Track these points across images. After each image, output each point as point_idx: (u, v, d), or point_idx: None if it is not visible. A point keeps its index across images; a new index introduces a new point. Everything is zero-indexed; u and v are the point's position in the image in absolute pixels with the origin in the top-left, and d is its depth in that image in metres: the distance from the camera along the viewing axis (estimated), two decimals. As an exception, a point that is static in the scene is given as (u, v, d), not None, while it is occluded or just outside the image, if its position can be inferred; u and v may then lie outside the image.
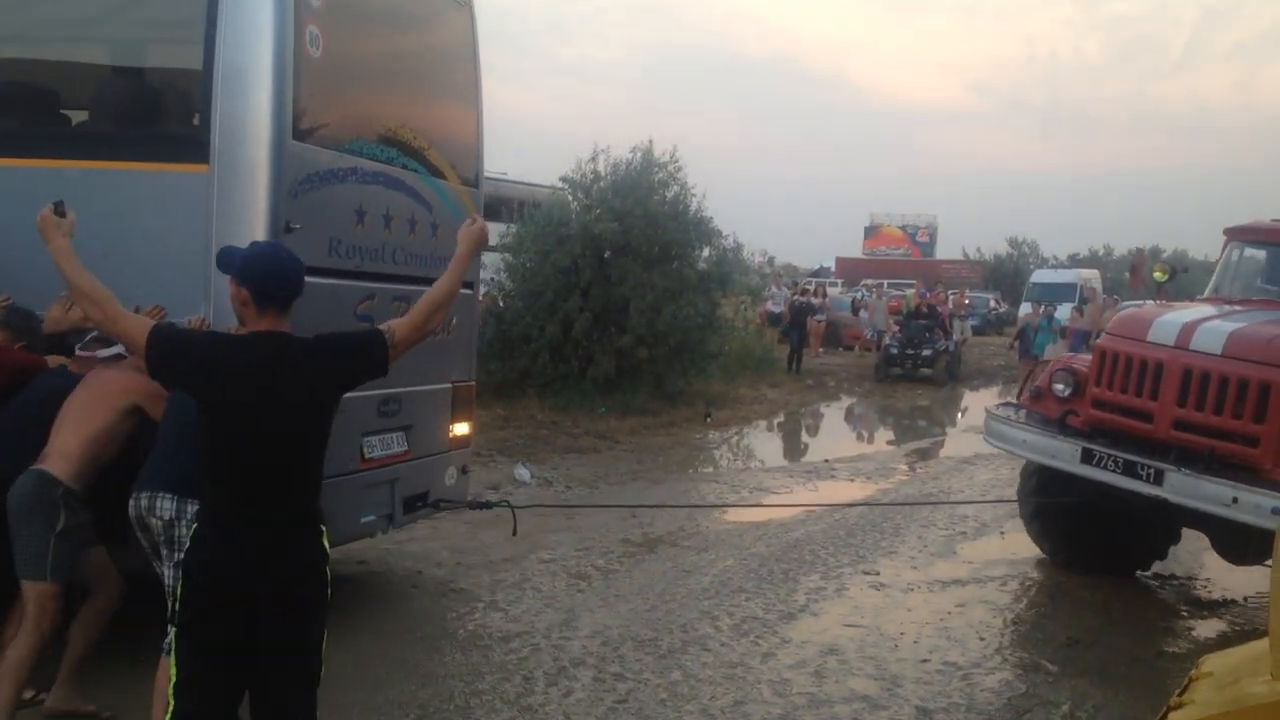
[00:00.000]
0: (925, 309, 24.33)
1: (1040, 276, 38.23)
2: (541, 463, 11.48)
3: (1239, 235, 8.40)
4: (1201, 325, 6.82)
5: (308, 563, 3.23)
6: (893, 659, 6.03)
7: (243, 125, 4.96)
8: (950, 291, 31.37)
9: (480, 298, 16.73)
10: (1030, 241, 60.88)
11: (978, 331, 32.05)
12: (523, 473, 10.72)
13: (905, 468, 13.02)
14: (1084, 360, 7.77)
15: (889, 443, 15.82)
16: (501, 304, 15.87)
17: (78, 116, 5.74)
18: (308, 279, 3.42)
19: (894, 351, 22.68)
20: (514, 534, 6.50)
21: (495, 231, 16.44)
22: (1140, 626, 7.01)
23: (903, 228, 62.29)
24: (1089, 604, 7.33)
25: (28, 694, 4.47)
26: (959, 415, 19.11)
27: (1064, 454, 7.03)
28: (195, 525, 3.31)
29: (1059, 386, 7.46)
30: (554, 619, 6.40)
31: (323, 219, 5.26)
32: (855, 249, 61.77)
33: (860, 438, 16.71)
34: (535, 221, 15.71)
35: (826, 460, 13.11)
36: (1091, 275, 37.93)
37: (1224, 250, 8.50)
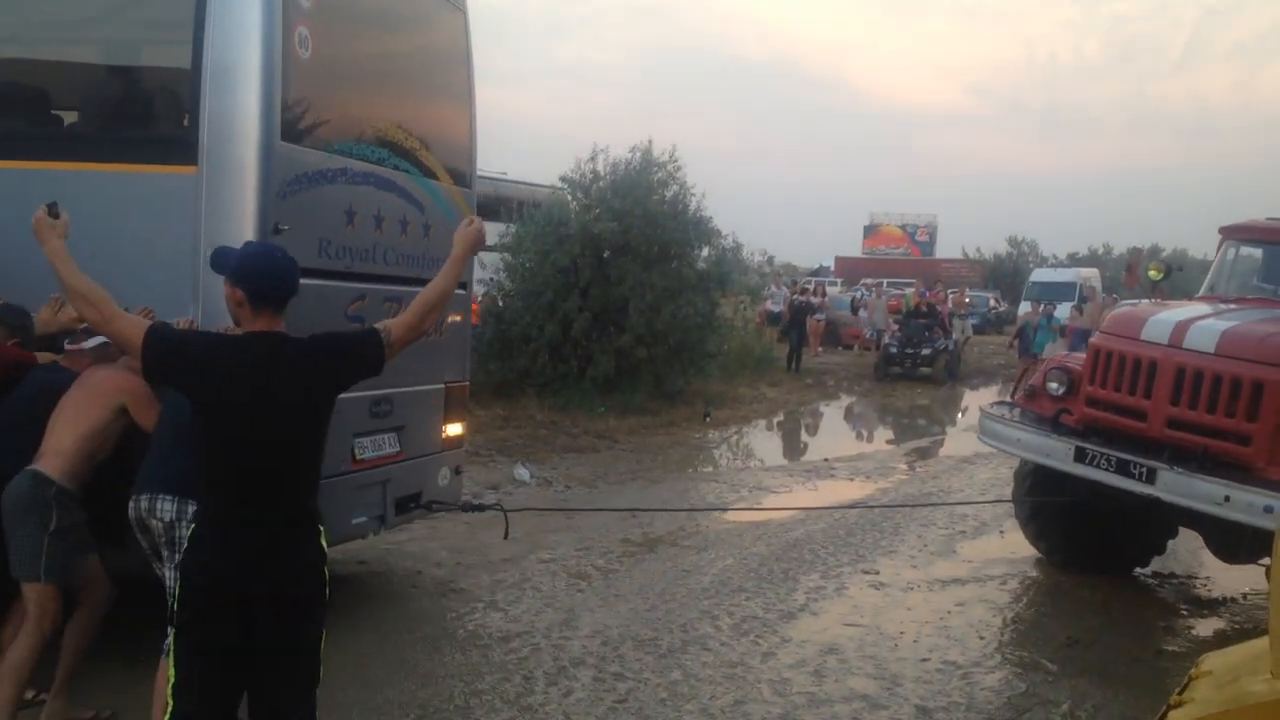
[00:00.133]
0: (925, 308, 24.33)
1: (1040, 275, 38.24)
2: (541, 462, 11.48)
3: (1234, 234, 8.40)
4: (1195, 324, 6.82)
5: (304, 563, 3.23)
6: (892, 658, 6.03)
7: (231, 126, 4.95)
8: (950, 291, 31.37)
9: (480, 297, 16.85)
10: (1030, 241, 60.95)
11: (977, 330, 32.03)
12: (522, 473, 10.72)
13: (905, 467, 13.02)
14: (1078, 359, 7.77)
15: (888, 442, 15.81)
16: (501, 304, 15.88)
17: (66, 118, 5.74)
18: None
19: (893, 350, 22.68)
20: (505, 537, 6.50)
21: (494, 231, 16.47)
22: (1140, 625, 7.01)
23: (902, 227, 62.29)
24: (1089, 603, 7.33)
25: (28, 694, 4.47)
26: (959, 415, 19.11)
27: (1057, 453, 7.03)
28: (193, 526, 3.31)
29: (1053, 385, 7.46)
30: (554, 619, 6.40)
31: (312, 220, 5.25)
32: (855, 248, 61.78)
33: (860, 437, 16.70)
34: (535, 221, 15.71)
35: (826, 459, 13.11)
36: (1091, 274, 37.95)
37: (1219, 249, 8.50)
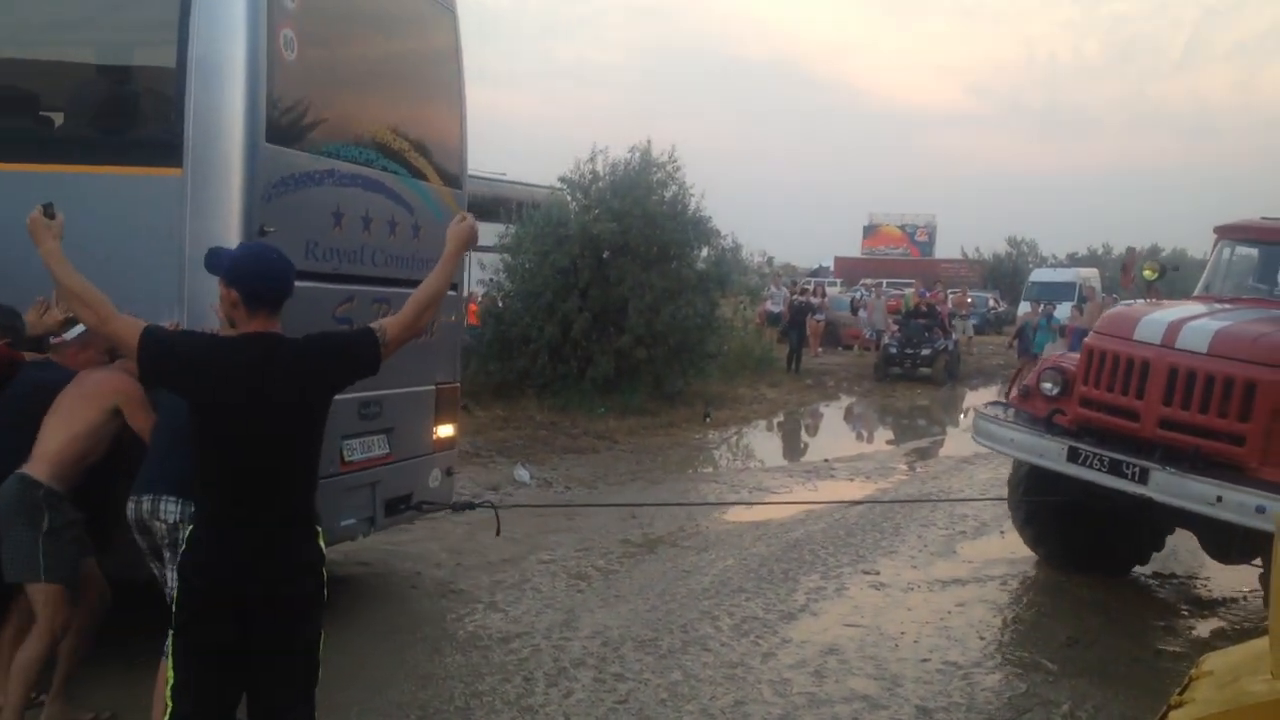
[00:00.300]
0: (924, 308, 24.33)
1: (1039, 275, 38.25)
2: (541, 463, 11.47)
3: (1229, 233, 8.40)
4: (1188, 324, 6.82)
5: (300, 563, 3.23)
6: (893, 658, 6.03)
7: (216, 128, 4.94)
8: (950, 291, 31.35)
9: (479, 298, 16.82)
10: (1029, 241, 60.90)
11: (977, 331, 32.02)
12: (522, 473, 10.72)
13: (905, 467, 13.02)
14: (1073, 359, 7.77)
15: (888, 442, 15.81)
16: (500, 304, 15.89)
17: (52, 121, 5.72)
18: None
19: (893, 351, 22.67)
20: (497, 534, 6.49)
21: (494, 232, 16.47)
22: (1140, 625, 7.01)
23: (901, 227, 62.29)
24: (1089, 603, 7.33)
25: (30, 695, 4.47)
26: (960, 415, 19.10)
27: (1050, 453, 7.03)
28: (190, 527, 3.31)
29: (1047, 385, 7.46)
30: (554, 620, 6.40)
31: (298, 222, 5.24)
32: (854, 249, 61.79)
33: (860, 437, 16.70)
34: (534, 222, 15.71)
35: (826, 460, 13.11)
36: (1090, 274, 37.95)
37: (1214, 248, 8.50)
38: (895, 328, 23.74)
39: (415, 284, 3.56)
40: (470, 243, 3.66)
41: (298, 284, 3.39)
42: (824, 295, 30.62)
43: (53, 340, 4.72)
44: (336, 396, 3.39)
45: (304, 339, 3.31)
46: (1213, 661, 3.15)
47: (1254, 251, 8.34)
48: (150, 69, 5.54)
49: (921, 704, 5.41)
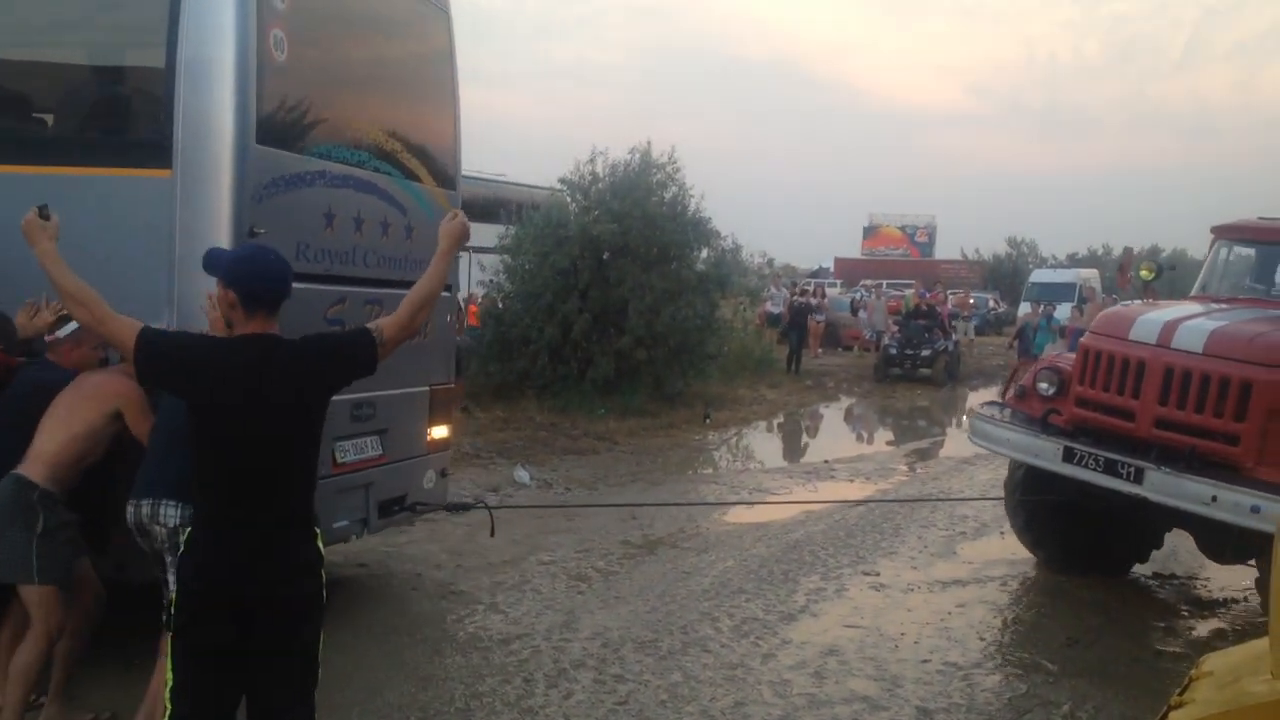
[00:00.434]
0: (925, 308, 24.33)
1: (1039, 276, 38.24)
2: (541, 464, 11.48)
3: (1226, 233, 8.40)
4: (1183, 324, 6.82)
5: (297, 565, 3.22)
6: (893, 659, 6.03)
7: (205, 130, 4.93)
8: (951, 292, 31.33)
9: (480, 299, 16.82)
10: (1029, 241, 60.97)
11: (977, 331, 32.03)
12: (522, 475, 10.72)
13: (905, 468, 13.02)
14: (1069, 359, 7.78)
15: (888, 443, 15.81)
16: (500, 306, 15.90)
17: (40, 124, 5.73)
18: None
19: (893, 352, 22.67)
20: (491, 534, 6.48)
21: (494, 233, 16.49)
22: (1140, 626, 7.01)
23: (901, 228, 62.28)
24: (1089, 604, 7.32)
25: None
26: (964, 417, 19.09)
27: (1046, 453, 7.03)
28: (189, 529, 3.31)
29: (1043, 385, 7.46)
30: (554, 621, 6.40)
31: (289, 223, 5.22)
32: (854, 249, 61.76)
33: (860, 438, 16.70)
34: (534, 223, 15.72)
35: (826, 461, 13.11)
36: (1090, 275, 37.94)
37: (1211, 249, 8.50)
38: (895, 328, 23.74)
39: (408, 285, 3.56)
40: (463, 240, 3.66)
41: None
42: (824, 296, 30.62)
43: (47, 338, 4.71)
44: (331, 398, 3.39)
45: (301, 340, 3.31)
46: (1213, 662, 3.15)
47: (1251, 251, 8.35)
48: (140, 70, 5.52)
49: (922, 705, 5.41)
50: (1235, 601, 7.65)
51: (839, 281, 48.71)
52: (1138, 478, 6.47)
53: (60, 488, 4.33)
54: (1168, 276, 10.54)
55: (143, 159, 5.06)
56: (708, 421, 15.53)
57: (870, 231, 62.50)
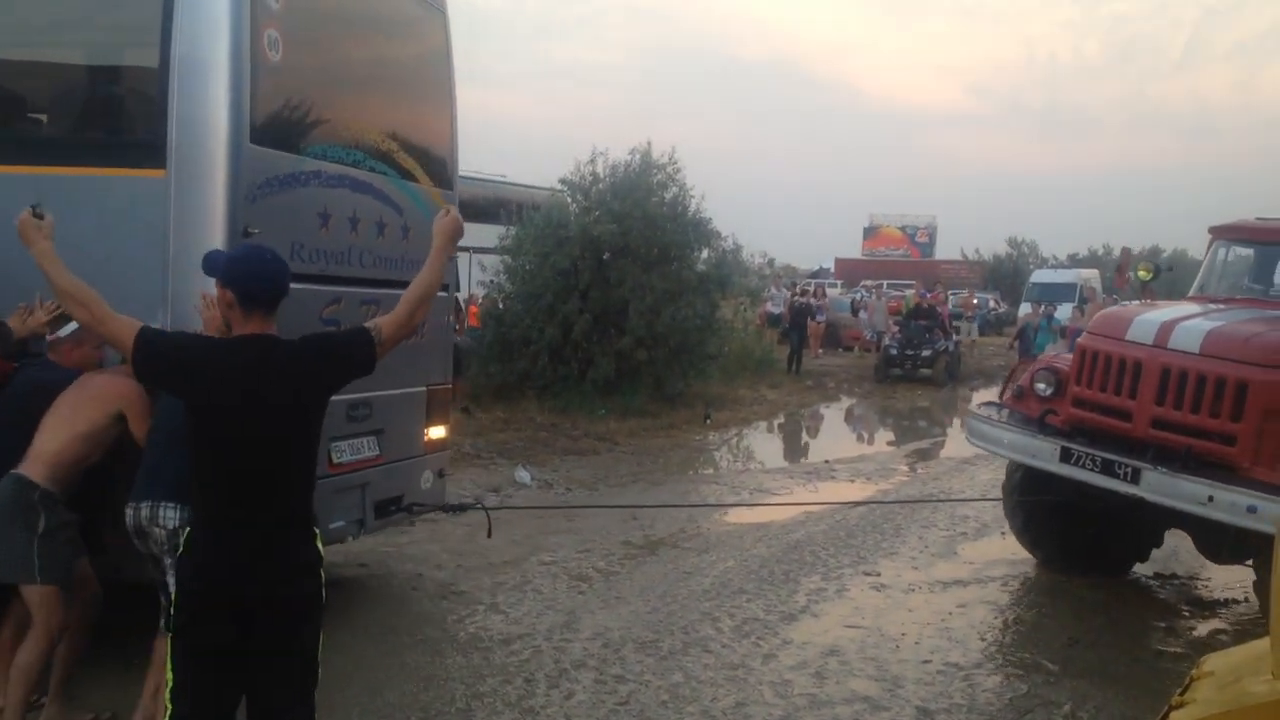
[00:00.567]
0: (926, 308, 24.33)
1: (1040, 276, 38.23)
2: (541, 465, 11.48)
3: (1224, 234, 8.41)
4: (1180, 324, 6.83)
5: (296, 565, 3.22)
6: (894, 660, 6.03)
7: (199, 129, 4.92)
8: (952, 293, 31.32)
9: (480, 300, 16.81)
10: (1029, 242, 61.04)
11: (979, 332, 32.02)
12: (523, 475, 10.73)
13: (905, 468, 13.02)
14: (1067, 359, 7.78)
15: (889, 443, 15.81)
16: (501, 306, 15.90)
17: (34, 124, 5.72)
18: None
19: (893, 352, 22.67)
20: (489, 535, 6.48)
21: (494, 234, 16.50)
22: (1141, 626, 7.01)
23: (902, 229, 62.30)
24: (1090, 604, 7.32)
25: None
26: (963, 417, 19.10)
27: (1043, 453, 7.03)
28: (188, 530, 3.31)
29: (1040, 385, 7.46)
30: (555, 621, 6.40)
31: (284, 223, 5.21)
32: (854, 250, 61.79)
33: (860, 439, 16.70)
34: (534, 224, 15.73)
35: (827, 461, 13.11)
36: (1091, 275, 37.94)
37: (1209, 249, 8.50)
38: (896, 329, 23.73)
39: (405, 285, 3.55)
40: (456, 235, 3.65)
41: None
42: (824, 296, 30.62)
43: (48, 338, 4.71)
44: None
45: (300, 340, 3.31)
46: (1213, 662, 3.15)
47: (1249, 252, 8.35)
48: (133, 69, 5.51)
49: (923, 705, 5.41)
50: (1236, 602, 7.65)
51: (839, 282, 48.74)
52: (1134, 478, 6.47)
53: (61, 488, 4.33)
54: (1166, 277, 10.52)
55: (137, 159, 5.04)
56: (708, 422, 15.53)
57: (871, 232, 62.52)
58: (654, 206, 15.64)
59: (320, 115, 5.58)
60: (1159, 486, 6.36)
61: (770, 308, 28.14)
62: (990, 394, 20.03)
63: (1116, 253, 56.46)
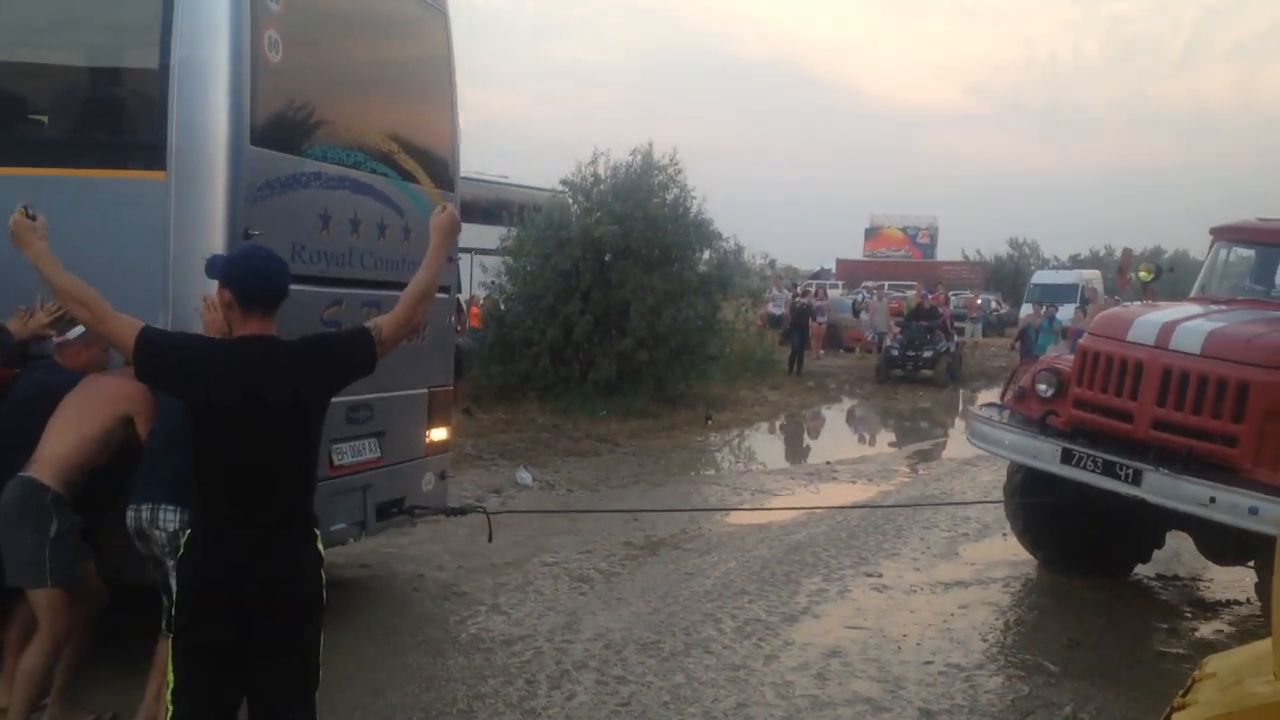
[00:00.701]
0: (928, 308, 24.32)
1: (1041, 277, 38.21)
2: (543, 466, 11.48)
3: (1225, 235, 8.40)
4: (1181, 325, 6.82)
5: (296, 564, 3.23)
6: (895, 661, 6.03)
7: (199, 131, 4.92)
8: (953, 294, 31.29)
9: (481, 301, 16.81)
10: (1031, 242, 61.02)
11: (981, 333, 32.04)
12: (524, 476, 10.73)
13: (907, 469, 13.02)
14: (1068, 360, 7.78)
15: (890, 444, 15.82)
16: (502, 307, 15.91)
17: (37, 124, 5.73)
18: None
19: (895, 353, 22.66)
20: (489, 540, 6.48)
21: (496, 235, 16.51)
22: (1142, 628, 7.01)
23: (903, 229, 62.28)
24: (1091, 605, 7.32)
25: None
26: (963, 418, 19.09)
27: (1044, 454, 7.03)
28: (188, 530, 3.31)
29: (1042, 386, 7.46)
30: (556, 622, 6.40)
31: (284, 225, 5.21)
32: (855, 251, 61.76)
33: (862, 440, 16.70)
34: (536, 225, 15.73)
35: (828, 462, 13.11)
36: (1093, 276, 37.91)
37: (1210, 250, 8.50)
38: (897, 330, 23.73)
39: (405, 287, 3.55)
40: (453, 232, 3.65)
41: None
42: (825, 297, 30.62)
43: (56, 340, 4.70)
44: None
45: (300, 341, 3.32)
46: (1215, 663, 3.14)
47: (1250, 252, 8.35)
48: (134, 71, 5.51)
49: (924, 706, 5.41)
50: (1238, 603, 7.64)
51: (840, 283, 48.70)
52: (1136, 479, 6.47)
53: (69, 490, 4.32)
54: (1168, 278, 10.53)
55: (137, 160, 5.05)
56: (709, 423, 15.52)
57: (872, 233, 62.50)
58: (655, 208, 15.64)
59: (321, 117, 5.58)
60: (1160, 488, 6.36)
61: (771, 309, 28.15)
62: (992, 395, 20.06)
63: (1118, 254, 56.43)
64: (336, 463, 5.73)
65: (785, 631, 6.47)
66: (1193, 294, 8.37)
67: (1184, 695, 2.98)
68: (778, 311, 27.54)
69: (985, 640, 6.52)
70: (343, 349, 3.40)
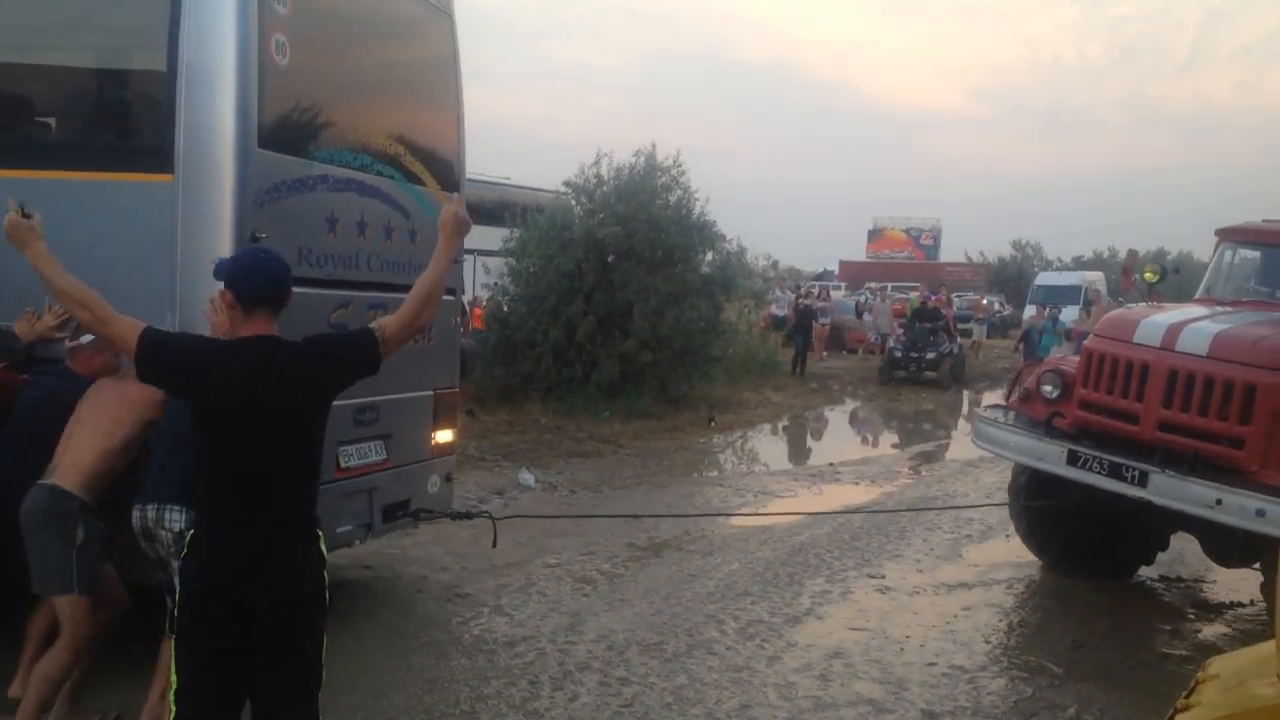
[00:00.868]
0: (931, 310, 24.29)
1: (1044, 279, 38.12)
2: (546, 467, 11.48)
3: (1230, 236, 8.39)
4: (1188, 326, 6.82)
5: (296, 565, 3.23)
6: (898, 662, 6.02)
7: (207, 134, 4.93)
8: (957, 295, 31.25)
9: (484, 302, 16.82)
10: (1034, 244, 60.88)
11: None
12: (527, 477, 10.73)
13: (910, 471, 13.01)
14: (1073, 362, 7.77)
15: (893, 446, 15.80)
16: (505, 309, 15.92)
17: (43, 127, 5.73)
18: None
19: (898, 355, 22.64)
20: (494, 545, 6.48)
21: (499, 236, 16.51)
22: (1145, 629, 7.00)
23: (906, 231, 62.28)
24: (1094, 607, 7.31)
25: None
26: (967, 420, 19.07)
27: (1050, 456, 7.02)
28: (191, 531, 3.31)
29: (1047, 388, 7.45)
30: (559, 623, 6.40)
31: (291, 227, 5.22)
32: (859, 252, 61.77)
33: (865, 441, 16.68)
34: (538, 226, 15.74)
35: (831, 464, 13.09)
36: (1096, 277, 37.84)
37: (1216, 251, 8.49)
38: (900, 331, 23.70)
39: (411, 289, 3.55)
40: (460, 228, 3.65)
41: (292, 290, 3.39)
42: (829, 299, 30.60)
43: (68, 344, 4.69)
44: (335, 401, 3.39)
45: (303, 341, 3.32)
46: (1218, 665, 3.15)
47: (1256, 254, 8.34)
48: (141, 74, 5.53)
49: (927, 708, 5.40)
50: (1241, 605, 7.63)
51: (844, 284, 48.68)
52: (1142, 481, 6.46)
53: (94, 498, 4.31)
54: (1172, 279, 10.51)
55: (144, 164, 5.06)
56: (712, 424, 15.52)
57: (875, 234, 62.50)
58: (658, 209, 15.65)
59: (327, 119, 5.60)
60: (1166, 490, 6.35)
61: (775, 310, 28.12)
62: (995, 396, 20.04)
63: (1121, 255, 56.30)
64: (343, 465, 5.74)
65: (788, 633, 6.47)
66: (1198, 295, 8.36)
67: (1187, 697, 2.98)
68: (781, 313, 27.51)
69: (988, 642, 6.52)
70: (345, 349, 3.41)
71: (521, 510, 9.07)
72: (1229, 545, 7.07)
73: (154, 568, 4.27)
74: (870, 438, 17.13)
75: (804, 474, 12.57)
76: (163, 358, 3.26)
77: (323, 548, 3.32)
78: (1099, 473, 6.69)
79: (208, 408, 3.20)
